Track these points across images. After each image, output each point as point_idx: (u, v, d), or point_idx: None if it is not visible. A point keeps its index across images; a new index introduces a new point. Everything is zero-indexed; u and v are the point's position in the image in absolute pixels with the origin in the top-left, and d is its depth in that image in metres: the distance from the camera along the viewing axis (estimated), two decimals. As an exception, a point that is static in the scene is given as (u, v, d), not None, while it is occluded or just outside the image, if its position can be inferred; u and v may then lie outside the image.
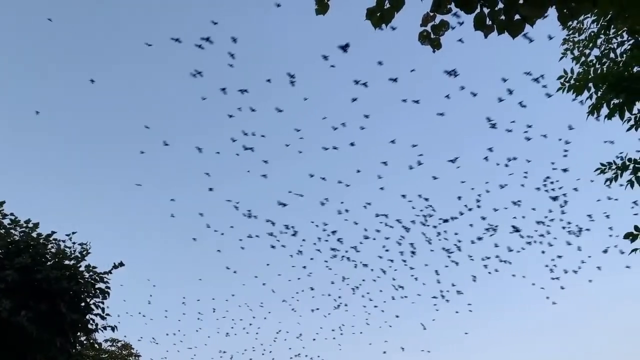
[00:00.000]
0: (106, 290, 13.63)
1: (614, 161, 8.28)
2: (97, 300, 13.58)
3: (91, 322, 13.52)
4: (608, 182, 8.30)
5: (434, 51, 3.88)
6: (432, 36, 3.80)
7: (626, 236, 7.10)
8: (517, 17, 3.40)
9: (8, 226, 12.97)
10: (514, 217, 22.20)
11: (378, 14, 3.66)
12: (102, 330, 13.83)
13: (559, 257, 23.16)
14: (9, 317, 11.27)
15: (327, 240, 24.12)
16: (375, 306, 28.12)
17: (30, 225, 13.18)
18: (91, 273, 13.51)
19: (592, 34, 8.66)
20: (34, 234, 13.09)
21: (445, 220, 22.71)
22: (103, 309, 13.64)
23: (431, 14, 3.69)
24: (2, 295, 11.39)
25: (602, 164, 8.35)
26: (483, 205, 21.82)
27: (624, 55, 8.26)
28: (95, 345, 14.66)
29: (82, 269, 13.37)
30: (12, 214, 13.23)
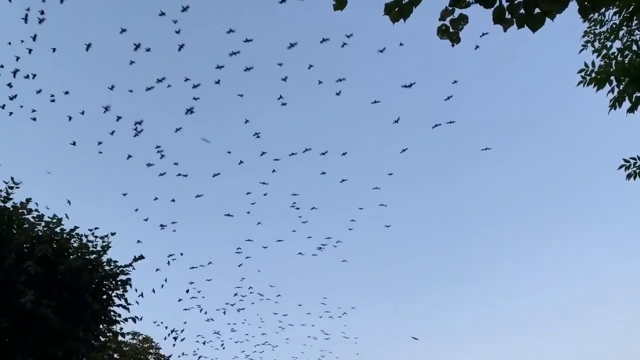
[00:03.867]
0: (127, 281, 13.89)
1: (637, 156, 8.13)
2: (119, 292, 13.86)
3: (114, 312, 13.81)
4: (631, 178, 8.17)
5: (452, 45, 3.88)
6: (451, 30, 3.80)
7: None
8: (537, 10, 3.39)
9: (33, 221, 13.25)
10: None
11: (396, 9, 3.68)
12: (125, 322, 14.12)
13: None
14: (32, 308, 11.43)
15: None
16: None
17: (55, 220, 13.47)
18: (112, 266, 13.78)
19: (614, 26, 8.50)
20: (58, 229, 13.36)
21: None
22: (126, 299, 13.93)
23: (450, 8, 3.70)
24: (25, 287, 11.56)
25: (625, 160, 8.20)
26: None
27: (647, 48, 8.10)
28: (119, 335, 14.85)
29: (103, 261, 13.65)
30: (36, 210, 13.54)
